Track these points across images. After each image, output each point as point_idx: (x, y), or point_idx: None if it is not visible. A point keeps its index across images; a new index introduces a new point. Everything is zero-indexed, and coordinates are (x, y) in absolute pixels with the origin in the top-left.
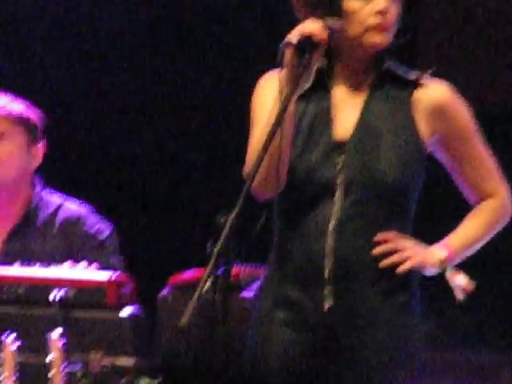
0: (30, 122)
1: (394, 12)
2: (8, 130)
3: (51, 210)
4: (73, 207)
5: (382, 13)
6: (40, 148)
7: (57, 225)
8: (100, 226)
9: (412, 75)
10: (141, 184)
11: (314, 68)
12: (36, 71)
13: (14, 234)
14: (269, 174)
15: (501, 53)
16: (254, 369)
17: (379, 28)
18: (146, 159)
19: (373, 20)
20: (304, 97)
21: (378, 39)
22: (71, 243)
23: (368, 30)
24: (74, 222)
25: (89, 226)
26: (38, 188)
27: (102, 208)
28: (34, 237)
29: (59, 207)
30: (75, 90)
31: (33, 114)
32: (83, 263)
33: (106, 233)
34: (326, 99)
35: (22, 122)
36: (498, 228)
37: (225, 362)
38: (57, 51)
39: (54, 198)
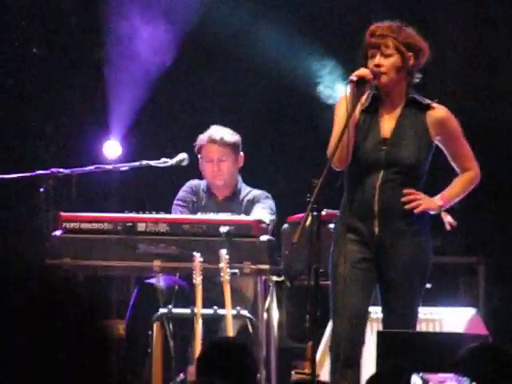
0: (236, 144)
1: (386, 63)
2: (226, 154)
3: (246, 191)
4: (255, 190)
5: (376, 65)
6: (241, 156)
7: (247, 198)
8: (266, 195)
9: (426, 101)
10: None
11: (370, 94)
12: None
13: (225, 200)
14: (341, 155)
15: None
16: (336, 266)
17: (379, 73)
18: None
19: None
20: (364, 111)
21: (379, 82)
22: (253, 203)
23: (375, 77)
24: (256, 197)
25: (261, 194)
26: (240, 179)
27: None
28: (236, 203)
29: (250, 191)
30: None
31: (236, 137)
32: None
33: (268, 195)
34: (376, 113)
35: (232, 146)
36: (471, 189)
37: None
38: None
39: (246, 186)
